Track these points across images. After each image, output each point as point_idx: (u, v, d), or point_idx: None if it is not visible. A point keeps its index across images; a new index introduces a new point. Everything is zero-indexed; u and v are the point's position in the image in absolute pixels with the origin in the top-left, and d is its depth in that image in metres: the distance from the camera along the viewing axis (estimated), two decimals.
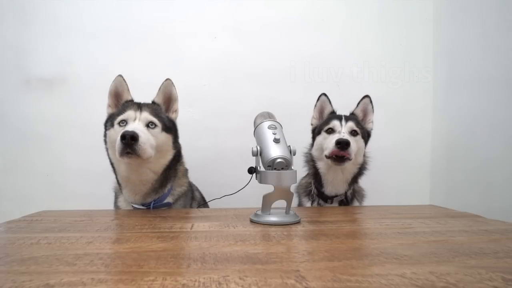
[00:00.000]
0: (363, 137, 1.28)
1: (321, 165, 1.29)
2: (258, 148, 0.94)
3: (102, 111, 1.21)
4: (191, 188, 1.32)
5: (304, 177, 1.42)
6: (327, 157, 1.20)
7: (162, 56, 1.70)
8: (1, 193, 1.66)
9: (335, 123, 1.26)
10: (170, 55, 1.70)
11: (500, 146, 1.34)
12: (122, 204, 1.19)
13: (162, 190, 1.16)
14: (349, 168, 1.26)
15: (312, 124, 1.40)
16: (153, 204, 1.14)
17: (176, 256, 0.60)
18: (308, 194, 1.34)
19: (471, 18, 1.54)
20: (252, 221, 0.92)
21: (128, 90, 1.20)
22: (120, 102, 1.19)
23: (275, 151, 0.89)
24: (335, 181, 1.27)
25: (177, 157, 1.21)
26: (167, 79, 1.22)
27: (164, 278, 0.49)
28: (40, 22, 1.67)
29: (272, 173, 0.89)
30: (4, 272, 0.52)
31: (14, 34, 1.65)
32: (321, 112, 1.38)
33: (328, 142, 1.22)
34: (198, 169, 1.40)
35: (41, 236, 0.74)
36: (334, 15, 1.77)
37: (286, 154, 0.89)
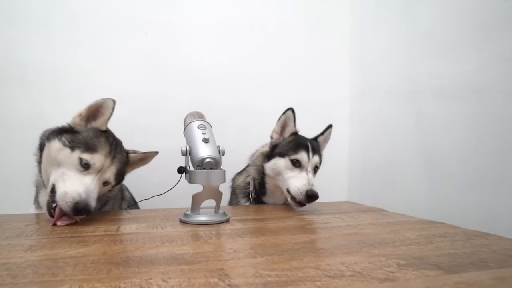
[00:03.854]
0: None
1: (270, 181, 1.27)
2: (188, 147, 0.94)
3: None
4: (121, 187, 1.25)
5: (240, 173, 1.41)
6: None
7: (89, 49, 1.58)
8: None
9: (303, 156, 1.19)
10: (98, 49, 1.59)
11: (404, 149, 1.55)
12: (43, 199, 1.03)
13: None
14: None
15: (272, 138, 1.33)
16: None
17: (97, 262, 0.57)
18: (247, 195, 1.33)
19: (380, 35, 1.75)
20: (181, 221, 0.91)
21: (111, 115, 1.01)
22: (92, 119, 1.01)
23: (204, 151, 0.90)
24: (280, 196, 1.28)
25: None
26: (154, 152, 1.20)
27: (80, 286, 0.46)
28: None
29: (201, 172, 0.90)
30: None
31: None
32: (283, 127, 1.31)
33: (294, 181, 1.16)
34: None
35: None
36: (261, 21, 1.83)
37: (215, 154, 0.91)
